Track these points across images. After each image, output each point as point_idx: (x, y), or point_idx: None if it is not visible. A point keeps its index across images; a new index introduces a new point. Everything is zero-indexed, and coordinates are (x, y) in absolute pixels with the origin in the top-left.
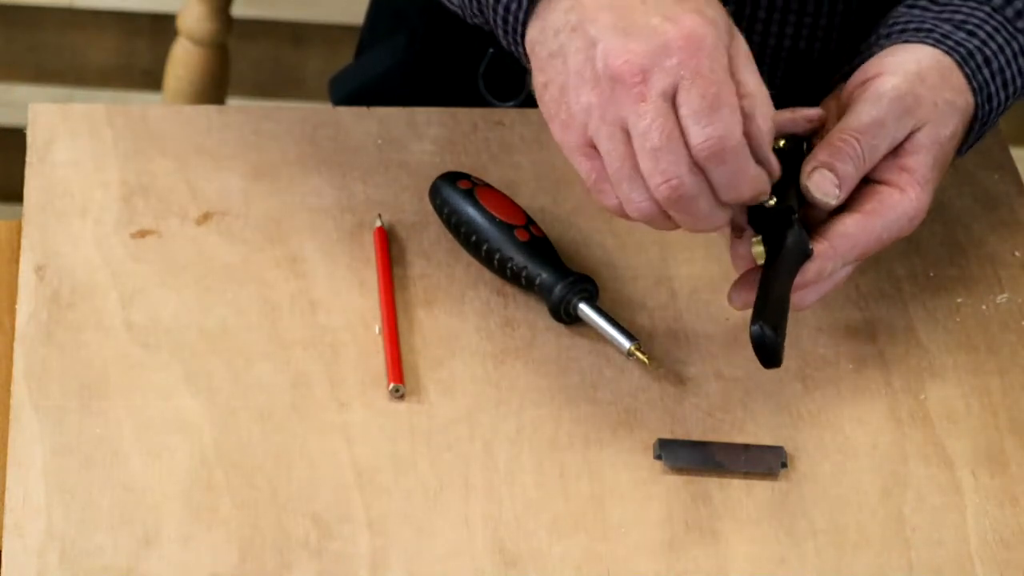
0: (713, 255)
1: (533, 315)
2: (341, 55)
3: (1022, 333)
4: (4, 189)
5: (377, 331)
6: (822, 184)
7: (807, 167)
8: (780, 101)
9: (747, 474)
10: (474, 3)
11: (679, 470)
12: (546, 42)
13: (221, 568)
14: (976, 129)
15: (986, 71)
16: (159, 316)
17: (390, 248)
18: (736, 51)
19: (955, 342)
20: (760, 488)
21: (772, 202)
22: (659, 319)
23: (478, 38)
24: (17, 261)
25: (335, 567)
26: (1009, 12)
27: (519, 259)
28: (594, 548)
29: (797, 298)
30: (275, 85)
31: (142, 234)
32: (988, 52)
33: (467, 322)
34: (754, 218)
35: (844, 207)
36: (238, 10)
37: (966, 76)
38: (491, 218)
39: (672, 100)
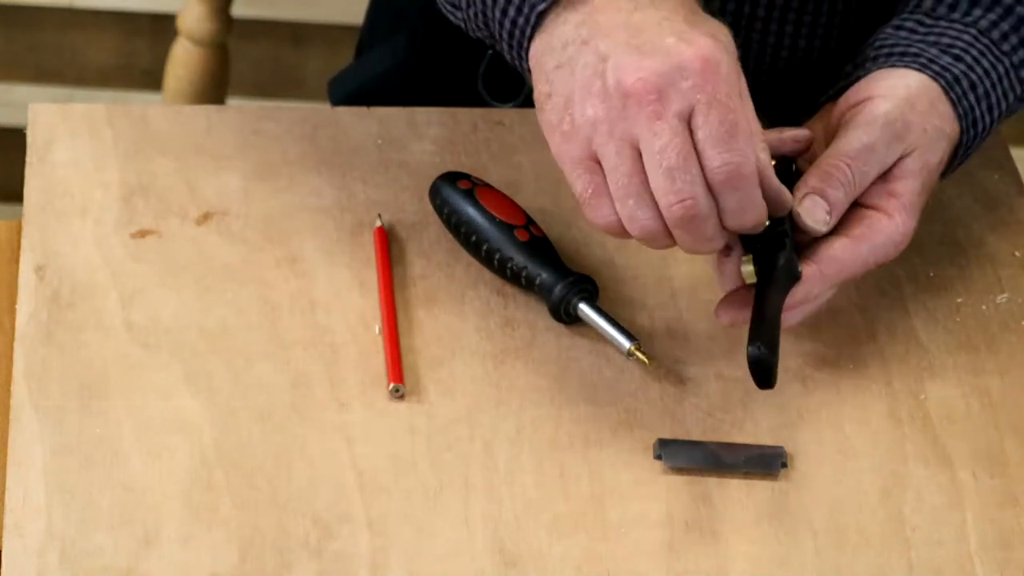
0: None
1: (533, 315)
2: (341, 55)
3: (1022, 333)
4: (4, 189)
5: (377, 331)
6: (813, 211)
7: (798, 193)
8: (779, 100)
9: (747, 474)
10: (479, 17)
11: (679, 470)
12: (553, 54)
13: (221, 568)
14: (961, 154)
15: (972, 96)
16: (159, 316)
17: (390, 248)
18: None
19: (955, 342)
20: (760, 488)
21: (766, 222)
22: (659, 319)
23: (478, 39)
24: (17, 261)
25: (335, 567)
26: (995, 35)
27: (519, 259)
28: (594, 548)
29: (783, 319)
30: (275, 85)
31: (142, 234)
32: (974, 77)
33: (467, 322)
34: (746, 237)
35: (831, 231)
36: (238, 10)
37: (952, 102)
38: (491, 218)
39: (688, 121)
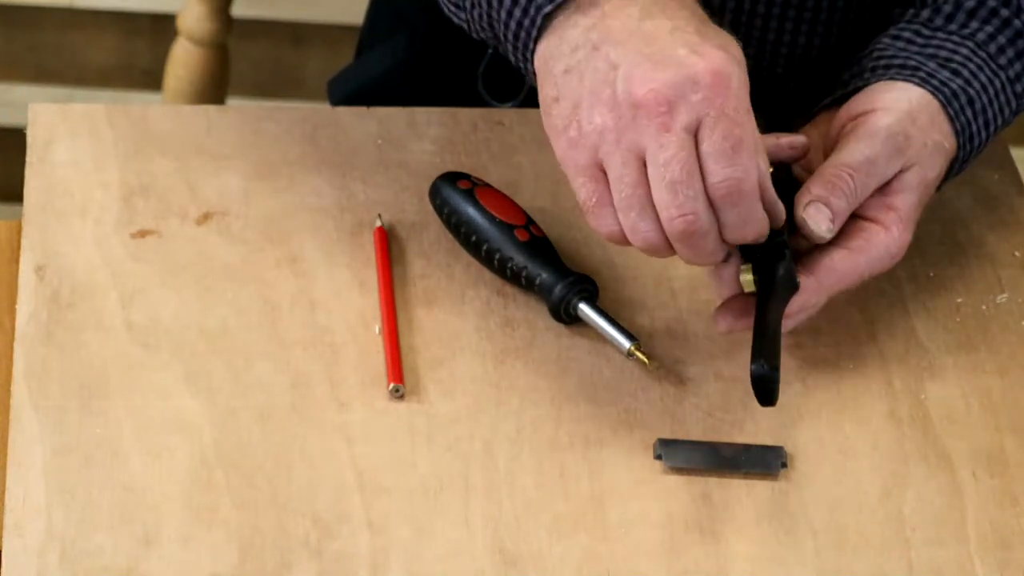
0: None
1: (533, 315)
2: (341, 55)
3: (1022, 333)
4: (4, 189)
5: (377, 331)
6: (817, 218)
7: (802, 199)
8: (778, 98)
9: (747, 474)
10: (483, 18)
11: (679, 470)
12: (562, 58)
13: (221, 568)
14: (956, 168)
15: (969, 111)
16: (159, 316)
17: (390, 248)
18: None
19: (955, 342)
20: (760, 488)
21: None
22: (659, 319)
23: (479, 40)
24: (17, 261)
25: (335, 567)
26: (992, 48)
27: (519, 259)
28: (594, 548)
29: None
30: (275, 85)
31: (142, 234)
32: (972, 92)
33: (467, 322)
34: (745, 247)
35: (830, 242)
36: (238, 10)
37: (949, 117)
38: (491, 218)
39: (694, 135)
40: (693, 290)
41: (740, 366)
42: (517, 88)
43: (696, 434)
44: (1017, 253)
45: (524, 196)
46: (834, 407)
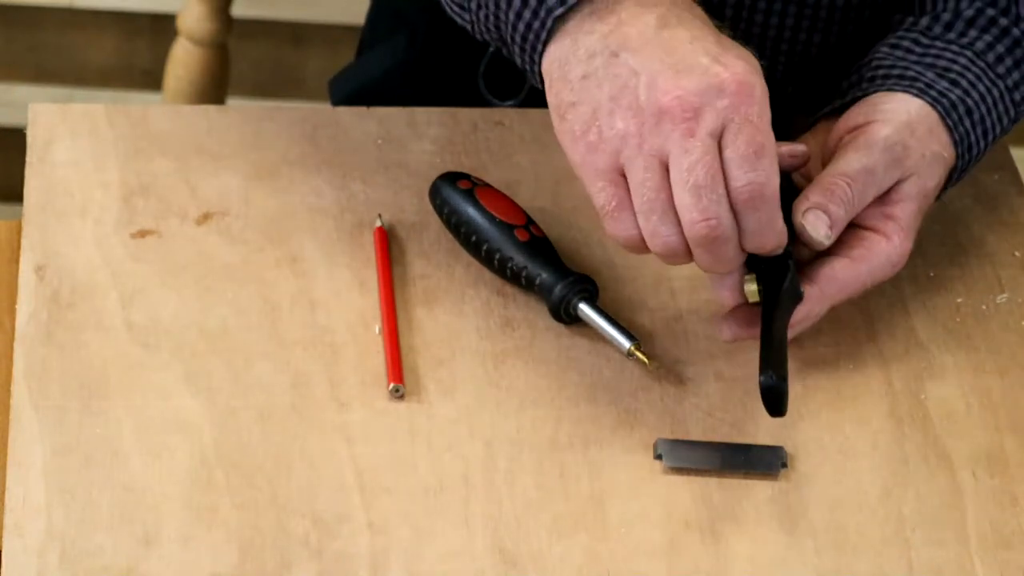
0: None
1: (533, 315)
2: (341, 55)
3: (1022, 333)
4: (4, 189)
5: (377, 331)
6: (816, 225)
7: (801, 206)
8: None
9: (747, 474)
10: (489, 19)
11: (679, 470)
12: (579, 64)
13: (221, 568)
14: (955, 177)
15: (968, 122)
16: (159, 316)
17: (390, 248)
18: None
19: (955, 342)
20: (760, 488)
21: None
22: (659, 319)
23: (482, 40)
24: (17, 261)
25: (335, 567)
26: (990, 57)
27: (519, 259)
28: (594, 548)
29: None
30: (275, 85)
31: (142, 234)
32: (970, 102)
33: (467, 322)
34: (749, 257)
35: (831, 251)
36: (238, 10)
37: (948, 128)
38: (491, 218)
39: (718, 140)
40: (693, 290)
41: (740, 366)
42: (518, 87)
43: (696, 434)
44: (1017, 253)
45: (524, 196)
46: (834, 407)
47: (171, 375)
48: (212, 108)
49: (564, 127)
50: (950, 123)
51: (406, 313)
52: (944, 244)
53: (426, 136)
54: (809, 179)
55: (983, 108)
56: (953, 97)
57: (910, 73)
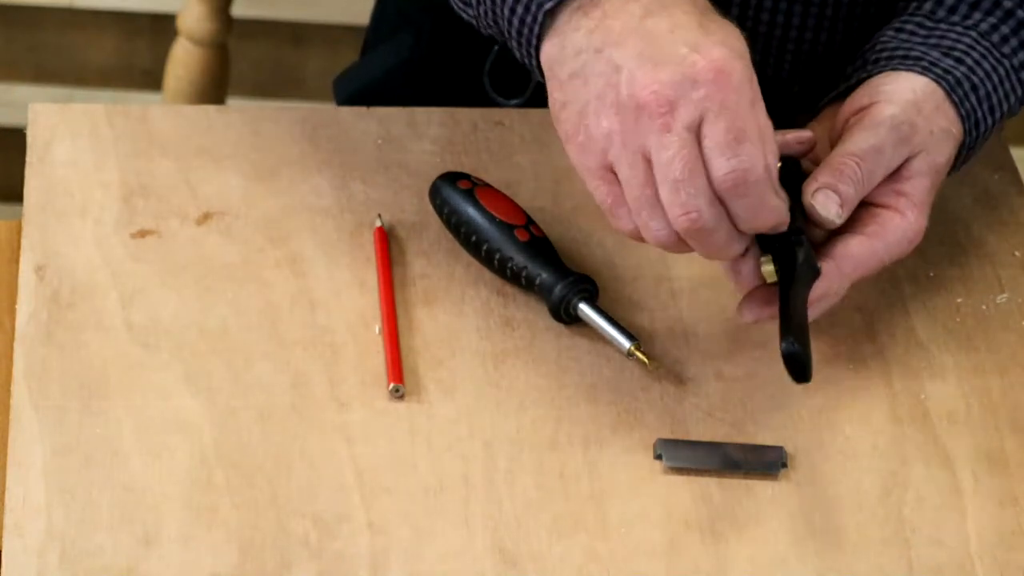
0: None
1: (533, 315)
2: (341, 55)
3: (1022, 333)
4: (4, 189)
5: (377, 331)
6: (826, 204)
7: (810, 187)
8: (786, 94)
9: (747, 474)
10: (489, 15)
11: (679, 470)
12: (566, 61)
13: (221, 568)
14: (964, 154)
15: (973, 98)
16: (159, 316)
17: (390, 248)
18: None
19: (955, 342)
20: (760, 488)
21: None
22: (659, 319)
23: (484, 36)
24: (17, 261)
25: (335, 567)
26: (995, 38)
27: (519, 259)
28: (594, 548)
29: None
30: (275, 85)
31: (142, 234)
32: (976, 79)
33: (467, 322)
34: (762, 238)
35: (845, 229)
36: (238, 10)
37: (954, 104)
38: (491, 218)
39: (696, 132)
40: (693, 290)
41: (740, 366)
42: (523, 85)
43: (696, 434)
44: (1017, 253)
45: (524, 196)
46: (834, 407)
47: (171, 375)
48: (212, 108)
49: (560, 128)
50: (956, 99)
51: (406, 313)
52: (944, 244)
53: (426, 136)
54: (818, 164)
55: (989, 85)
56: (958, 74)
57: (914, 53)
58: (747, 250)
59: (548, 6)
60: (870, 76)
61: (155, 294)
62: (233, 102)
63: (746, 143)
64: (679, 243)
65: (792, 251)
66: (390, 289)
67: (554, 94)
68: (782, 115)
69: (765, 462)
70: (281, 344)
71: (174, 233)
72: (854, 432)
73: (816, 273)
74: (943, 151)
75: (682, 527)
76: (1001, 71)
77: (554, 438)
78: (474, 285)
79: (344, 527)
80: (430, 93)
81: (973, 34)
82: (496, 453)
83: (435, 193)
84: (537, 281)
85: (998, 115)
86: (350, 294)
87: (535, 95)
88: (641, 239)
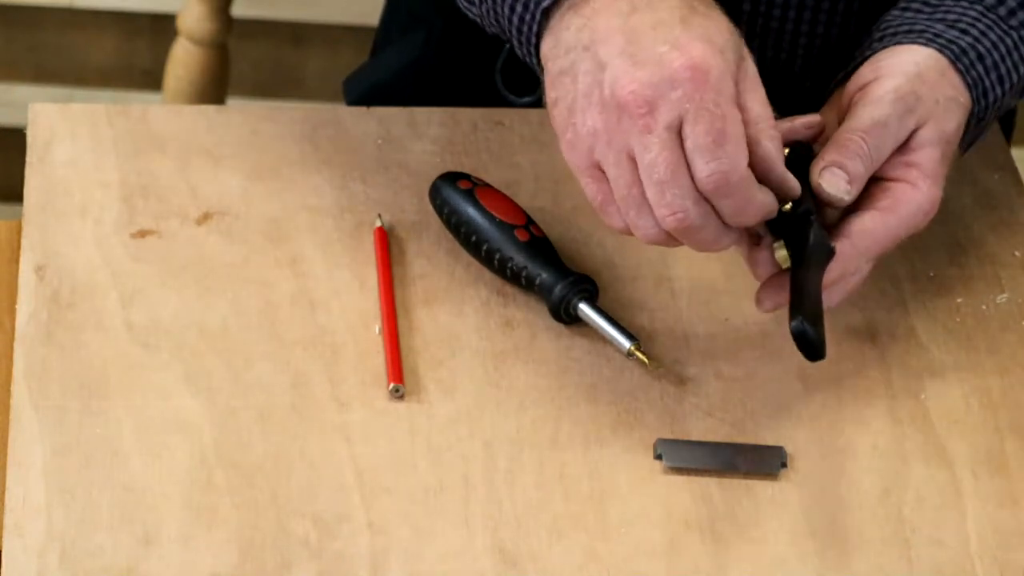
0: (713, 255)
1: (533, 315)
2: (341, 55)
3: (1022, 333)
4: (4, 189)
5: (377, 331)
6: (833, 181)
7: (817, 167)
8: (798, 90)
9: (747, 474)
10: (491, 13)
11: (679, 470)
12: (557, 59)
13: (221, 568)
14: (974, 126)
15: (979, 67)
16: (159, 316)
17: (390, 248)
18: (743, 75)
19: (955, 342)
20: (760, 488)
21: (788, 207)
22: (659, 319)
23: (493, 34)
24: (17, 261)
25: (335, 567)
26: (1001, 11)
27: (519, 259)
28: (594, 548)
29: (824, 297)
30: (275, 85)
31: (142, 234)
32: (981, 49)
33: (467, 322)
34: (773, 224)
35: (858, 206)
36: (238, 10)
37: (959, 72)
38: (491, 218)
39: (678, 132)
40: (693, 290)
41: (740, 366)
42: (535, 82)
43: (696, 434)
44: (1017, 253)
45: (524, 196)
46: (834, 407)
47: (171, 375)
48: (212, 108)
49: (553, 124)
50: (961, 67)
51: (406, 313)
52: (944, 244)
53: (426, 136)
54: None
55: (996, 54)
56: (963, 43)
57: (918, 27)
58: (761, 239)
59: (545, 4)
60: (874, 53)
61: (155, 294)
62: (233, 102)
63: (726, 144)
64: (669, 239)
65: (802, 233)
66: (390, 289)
67: (548, 91)
68: (796, 110)
69: (765, 462)
70: (281, 344)
71: (174, 233)
72: (854, 432)
73: (830, 253)
74: (951, 119)
75: (682, 527)
76: (1009, 42)
77: (554, 438)
78: (474, 285)
79: (344, 527)
80: (443, 91)
81: (978, 7)
82: (496, 453)
83: (435, 193)
84: (537, 281)
85: (1007, 85)
86: (350, 294)
87: None
88: (631, 235)
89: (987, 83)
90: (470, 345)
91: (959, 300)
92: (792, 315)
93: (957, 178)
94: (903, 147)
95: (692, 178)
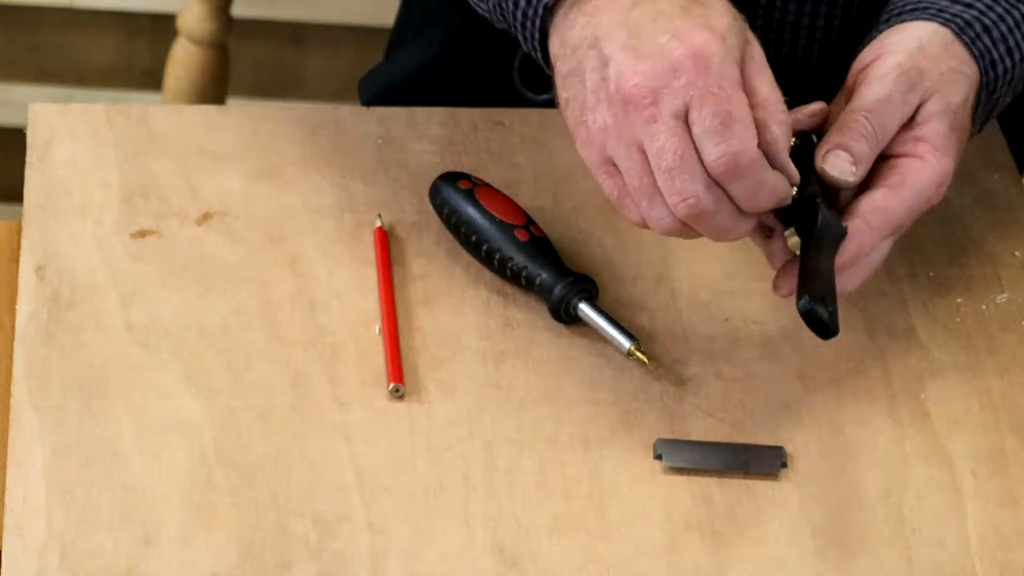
0: (713, 255)
1: (533, 315)
2: (341, 55)
3: (1022, 333)
4: (4, 189)
5: (377, 331)
6: (837, 163)
7: (820, 151)
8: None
9: (747, 474)
10: (497, 10)
11: (679, 470)
12: (565, 58)
13: (221, 568)
14: (984, 99)
15: (986, 38)
16: (159, 316)
17: (390, 248)
18: (749, 59)
19: (955, 342)
20: (760, 488)
21: (794, 192)
22: (659, 319)
23: (503, 30)
24: (17, 261)
25: (335, 567)
26: None
27: (519, 259)
28: (594, 548)
29: (842, 280)
30: (275, 85)
31: (142, 234)
32: (987, 21)
33: (467, 322)
34: (782, 213)
35: (869, 185)
36: (238, 10)
37: (965, 44)
38: (491, 218)
39: (684, 119)
40: (693, 290)
41: (740, 366)
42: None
43: (696, 434)
44: (1017, 253)
45: (524, 196)
46: (834, 407)
47: (171, 375)
48: (212, 108)
49: (567, 123)
50: (966, 39)
51: (406, 313)
52: (944, 244)
53: (426, 136)
54: None
55: (1003, 26)
56: (968, 16)
57: (922, 4)
58: (772, 229)
59: (547, 1)
60: (880, 34)
61: (155, 294)
62: (233, 102)
63: (734, 125)
64: (685, 229)
65: (810, 216)
66: (390, 289)
67: (559, 92)
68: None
69: (765, 462)
70: (281, 344)
71: (174, 233)
72: (854, 432)
73: (841, 234)
74: (957, 91)
75: (682, 527)
76: (1016, 15)
77: (554, 438)
78: (474, 285)
79: (344, 527)
80: (460, 90)
81: None
82: (496, 453)
83: (435, 193)
84: (537, 281)
85: (1016, 57)
86: (350, 294)
87: None
88: (649, 228)
89: (995, 54)
90: (470, 345)
91: (959, 300)
92: (799, 295)
93: (957, 178)
94: (910, 122)
95: (702, 164)
